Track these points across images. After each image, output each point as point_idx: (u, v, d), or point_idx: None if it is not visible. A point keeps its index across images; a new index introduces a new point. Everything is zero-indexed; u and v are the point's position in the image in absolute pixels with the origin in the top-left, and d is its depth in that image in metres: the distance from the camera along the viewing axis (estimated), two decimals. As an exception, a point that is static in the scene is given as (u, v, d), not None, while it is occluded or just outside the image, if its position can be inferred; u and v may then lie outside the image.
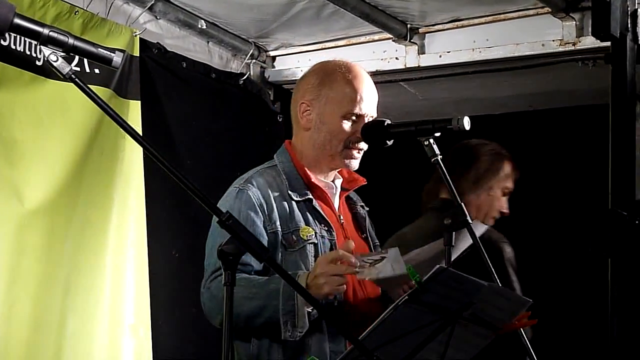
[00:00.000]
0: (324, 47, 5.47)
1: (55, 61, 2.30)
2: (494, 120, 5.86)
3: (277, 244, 3.25)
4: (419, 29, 5.28)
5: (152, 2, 4.80)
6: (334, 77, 3.41)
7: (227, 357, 2.40)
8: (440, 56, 5.26)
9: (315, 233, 3.30)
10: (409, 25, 5.22)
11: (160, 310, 4.72)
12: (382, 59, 5.39)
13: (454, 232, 3.14)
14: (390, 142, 3.31)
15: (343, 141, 3.36)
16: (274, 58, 5.68)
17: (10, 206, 4.05)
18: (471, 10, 5.07)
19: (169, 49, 4.99)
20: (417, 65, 5.32)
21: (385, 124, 3.31)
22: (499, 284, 3.85)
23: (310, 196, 3.36)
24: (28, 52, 4.15)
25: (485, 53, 5.13)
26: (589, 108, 5.64)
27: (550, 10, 4.87)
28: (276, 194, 3.33)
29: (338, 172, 3.48)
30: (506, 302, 2.90)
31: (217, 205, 2.49)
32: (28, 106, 4.17)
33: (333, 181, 3.46)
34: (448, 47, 5.24)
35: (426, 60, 5.30)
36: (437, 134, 3.20)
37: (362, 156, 3.42)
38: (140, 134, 4.40)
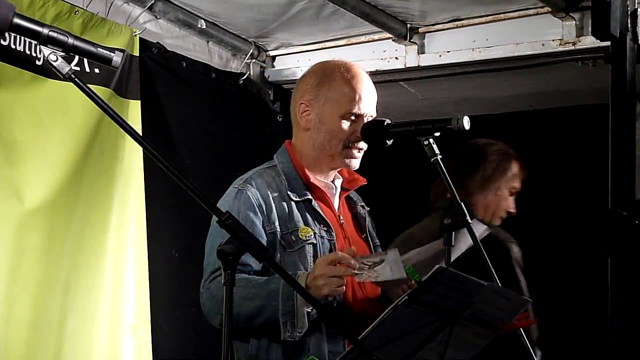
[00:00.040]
0: (323, 46, 5.47)
1: (55, 61, 2.30)
2: (494, 120, 5.85)
3: (275, 245, 3.25)
4: (419, 29, 5.27)
5: (152, 1, 4.80)
6: (332, 77, 3.41)
7: (226, 357, 2.40)
8: (440, 56, 5.25)
9: (314, 233, 3.31)
10: (408, 25, 5.22)
11: (160, 310, 4.72)
12: (382, 59, 5.38)
13: (453, 232, 3.14)
14: (390, 142, 3.31)
15: (342, 141, 3.36)
16: (273, 58, 5.68)
17: (10, 206, 4.05)
18: (471, 10, 5.06)
19: (168, 49, 4.99)
20: (417, 65, 5.32)
21: (385, 123, 3.31)
22: (506, 284, 3.87)
23: (310, 196, 3.36)
24: (28, 52, 4.15)
25: (485, 53, 5.12)
26: (589, 108, 5.64)
27: (550, 10, 4.86)
28: (275, 194, 3.33)
29: (338, 172, 3.48)
30: (506, 302, 2.90)
31: (217, 206, 2.49)
32: (28, 106, 4.17)
33: (333, 181, 3.46)
34: (448, 46, 5.23)
35: (426, 60, 5.30)
36: (437, 134, 3.20)
37: (363, 156, 3.42)
38: (140, 133, 4.40)
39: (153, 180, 4.63)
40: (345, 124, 3.36)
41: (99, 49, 2.39)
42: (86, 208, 4.38)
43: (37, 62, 4.16)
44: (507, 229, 4.28)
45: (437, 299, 2.65)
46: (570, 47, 4.93)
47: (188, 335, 4.90)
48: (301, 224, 3.31)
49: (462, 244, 3.21)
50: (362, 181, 3.51)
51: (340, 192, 3.48)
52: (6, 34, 3.79)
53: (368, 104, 3.40)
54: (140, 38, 4.72)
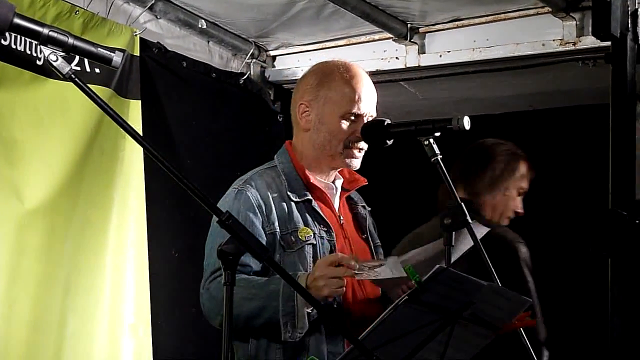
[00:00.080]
0: (324, 46, 5.47)
1: (55, 61, 2.30)
2: (494, 120, 5.85)
3: (275, 245, 3.25)
4: (419, 29, 5.27)
5: (153, 1, 4.80)
6: (332, 77, 3.40)
7: (226, 358, 2.40)
8: (440, 56, 5.26)
9: (314, 234, 3.30)
10: (409, 25, 5.22)
11: (160, 310, 4.72)
12: (382, 59, 5.38)
13: (454, 232, 3.14)
14: (390, 142, 3.30)
15: (343, 141, 3.36)
16: (274, 58, 5.68)
17: (11, 206, 4.05)
18: (471, 10, 5.06)
19: (169, 49, 4.99)
20: (417, 65, 5.32)
21: (385, 123, 3.31)
22: (514, 284, 3.87)
23: (310, 197, 3.36)
24: (28, 52, 4.15)
25: (485, 53, 5.12)
26: (589, 108, 5.64)
27: (550, 10, 4.87)
28: (275, 194, 3.33)
29: (339, 172, 3.47)
30: (506, 302, 2.90)
31: (217, 206, 2.49)
32: (28, 106, 4.17)
33: (333, 182, 3.46)
34: (448, 46, 5.23)
35: (426, 60, 5.30)
36: (437, 134, 3.19)
37: (363, 156, 3.42)
38: (141, 133, 4.40)
39: (153, 180, 4.63)
40: (345, 124, 3.36)
41: (99, 49, 2.39)
42: (86, 208, 4.38)
43: (38, 62, 4.16)
44: (509, 228, 4.28)
45: (437, 299, 2.65)
46: (571, 47, 4.93)
47: (188, 335, 4.90)
48: (301, 225, 3.31)
49: (462, 244, 3.21)
50: (363, 181, 3.51)
51: (340, 193, 3.48)
52: (6, 34, 3.79)
53: (368, 104, 3.39)
54: (140, 38, 4.72)
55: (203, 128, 5.20)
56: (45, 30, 2.31)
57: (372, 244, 3.51)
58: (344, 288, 3.11)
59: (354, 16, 5.00)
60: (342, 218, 3.43)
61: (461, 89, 5.67)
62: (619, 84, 4.48)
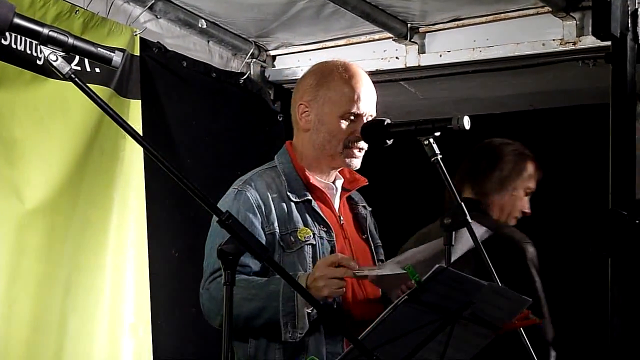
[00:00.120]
0: (324, 46, 5.47)
1: (55, 61, 2.30)
2: (495, 120, 5.85)
3: (274, 245, 3.25)
4: (419, 29, 5.27)
5: (153, 1, 4.80)
6: (331, 77, 3.40)
7: (226, 358, 2.40)
8: (440, 55, 5.26)
9: (314, 234, 3.30)
10: (409, 25, 5.22)
11: (160, 310, 4.72)
12: (382, 59, 5.38)
13: (454, 232, 3.13)
14: (390, 142, 3.30)
15: (342, 141, 3.36)
16: (274, 57, 5.68)
17: (11, 205, 4.05)
18: (471, 10, 5.06)
19: (169, 48, 4.99)
20: (417, 64, 5.32)
21: (385, 123, 3.30)
22: (522, 284, 3.87)
23: (310, 197, 3.36)
24: (28, 52, 4.15)
25: (485, 52, 5.12)
26: (589, 107, 5.64)
27: (550, 9, 4.86)
28: (275, 195, 3.33)
29: (339, 172, 3.47)
30: (506, 302, 2.90)
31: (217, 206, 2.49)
32: (28, 105, 4.17)
33: (334, 182, 3.46)
34: (448, 46, 5.23)
35: (426, 60, 5.30)
36: (437, 134, 3.19)
37: (364, 156, 3.42)
38: (141, 133, 4.40)
39: (153, 180, 4.63)
40: (345, 124, 3.36)
41: (99, 48, 2.39)
42: (86, 208, 4.38)
43: (38, 62, 4.16)
44: (516, 228, 4.28)
45: (437, 298, 2.65)
46: (571, 47, 4.93)
47: (188, 335, 4.90)
48: (300, 225, 3.30)
49: (462, 244, 3.21)
50: (364, 181, 3.51)
51: (341, 193, 3.48)
52: (6, 34, 3.79)
53: (367, 104, 3.39)
54: (140, 38, 4.72)
55: (203, 128, 5.20)
56: (45, 30, 2.31)
57: (372, 244, 3.51)
58: (344, 289, 3.12)
59: (354, 16, 5.00)
60: (342, 218, 3.43)
61: (461, 89, 5.67)
62: (619, 84, 4.48)
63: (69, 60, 2.33)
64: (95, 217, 4.42)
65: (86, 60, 4.33)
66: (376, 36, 5.37)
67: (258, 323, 3.18)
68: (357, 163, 3.40)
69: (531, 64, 5.15)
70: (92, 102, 2.33)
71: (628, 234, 4.25)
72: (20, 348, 4.06)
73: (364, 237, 3.49)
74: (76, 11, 4.37)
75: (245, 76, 5.48)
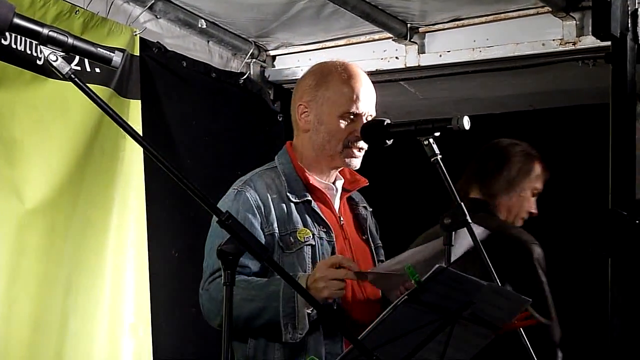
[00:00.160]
0: (324, 46, 5.47)
1: (54, 61, 2.30)
2: (494, 120, 5.85)
3: (274, 246, 3.25)
4: (419, 29, 5.27)
5: (152, 1, 4.80)
6: (330, 78, 3.40)
7: (226, 358, 2.40)
8: (440, 55, 5.26)
9: (313, 235, 3.30)
10: (409, 25, 5.22)
11: (160, 310, 4.72)
12: (382, 59, 5.38)
13: (453, 232, 3.13)
14: (390, 142, 3.30)
15: (342, 141, 3.35)
16: (274, 57, 5.68)
17: (11, 205, 4.05)
18: (471, 10, 5.06)
19: (169, 48, 4.99)
20: (417, 64, 5.32)
21: (385, 123, 3.30)
22: (528, 284, 3.88)
23: (309, 198, 3.35)
24: (28, 52, 4.15)
25: (485, 52, 5.12)
26: (589, 107, 5.64)
27: (550, 9, 4.86)
28: (275, 195, 3.32)
29: (340, 173, 3.47)
30: (506, 302, 2.90)
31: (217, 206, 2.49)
32: (28, 105, 4.17)
33: (334, 182, 3.45)
34: (448, 46, 5.23)
35: (426, 60, 5.30)
36: (437, 134, 3.19)
37: (364, 157, 3.41)
38: (140, 133, 4.40)
39: (153, 180, 4.63)
40: (344, 124, 3.36)
41: (98, 48, 2.39)
42: (87, 208, 4.38)
43: (38, 62, 4.16)
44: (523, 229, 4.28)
45: (437, 298, 2.65)
46: (571, 47, 4.93)
47: (188, 335, 4.90)
48: (300, 226, 3.30)
49: (460, 248, 3.20)
50: (364, 182, 3.50)
51: (341, 193, 3.47)
52: (6, 34, 3.79)
53: (366, 103, 3.39)
54: (140, 38, 4.72)
55: (203, 128, 5.20)
56: (45, 30, 2.31)
57: (372, 245, 3.50)
58: (344, 290, 3.12)
59: (353, 16, 5.00)
60: (342, 219, 3.42)
61: (461, 89, 5.67)
62: (619, 84, 4.49)
63: (69, 60, 2.33)
64: (96, 217, 4.42)
65: (86, 61, 4.33)
66: (376, 36, 5.37)
67: (258, 324, 3.18)
68: (356, 163, 3.39)
69: (531, 64, 5.15)
70: (92, 102, 2.33)
71: (628, 234, 4.25)
72: (21, 348, 4.06)
73: (364, 237, 3.49)
74: (76, 11, 4.37)
75: (245, 76, 5.49)
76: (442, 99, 5.85)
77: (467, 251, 3.17)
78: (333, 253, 3.31)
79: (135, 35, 4.68)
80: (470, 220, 3.10)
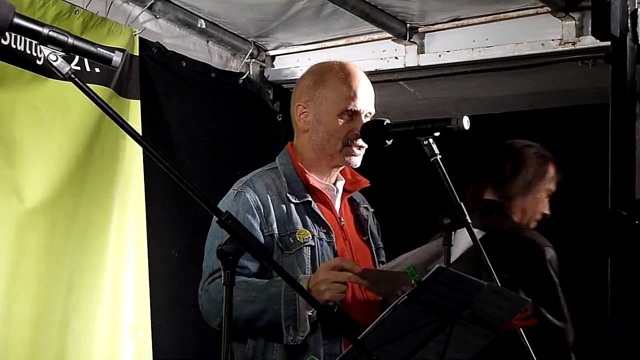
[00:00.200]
0: (323, 46, 5.47)
1: (54, 61, 2.30)
2: (494, 120, 5.85)
3: (273, 247, 3.25)
4: (419, 29, 5.27)
5: (152, 1, 4.79)
6: (327, 77, 3.40)
7: (226, 358, 2.39)
8: (439, 55, 5.25)
9: (313, 236, 3.30)
10: (408, 25, 5.22)
11: (160, 310, 4.72)
12: (381, 59, 5.38)
13: (452, 232, 3.13)
14: (389, 142, 3.30)
15: (341, 139, 3.35)
16: (273, 57, 5.68)
17: (11, 205, 4.05)
18: (471, 10, 5.06)
19: (168, 48, 4.99)
20: (416, 64, 5.32)
21: (385, 123, 3.29)
22: (541, 285, 3.88)
23: (309, 199, 3.35)
24: (28, 52, 4.15)
25: (485, 52, 5.12)
26: (588, 107, 5.63)
27: (549, 9, 4.86)
28: (274, 196, 3.32)
29: (341, 173, 3.47)
30: (506, 302, 2.90)
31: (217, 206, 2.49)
32: (28, 105, 4.17)
33: (335, 183, 3.45)
34: (448, 46, 5.23)
35: (426, 60, 5.30)
36: (437, 134, 3.18)
37: (365, 157, 3.41)
38: (140, 133, 4.40)
39: (153, 180, 4.63)
40: (343, 122, 3.35)
41: (98, 48, 2.39)
42: (87, 208, 4.38)
43: (38, 62, 4.16)
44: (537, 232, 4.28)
45: (437, 298, 2.65)
46: (570, 47, 4.93)
47: (188, 335, 4.89)
48: (299, 226, 3.30)
49: (460, 246, 3.20)
50: (365, 183, 3.50)
51: (342, 194, 3.47)
52: (6, 34, 3.79)
53: (365, 101, 3.39)
54: (140, 38, 4.72)
55: (202, 128, 5.20)
56: (45, 30, 2.31)
57: (373, 246, 3.50)
58: (345, 293, 3.12)
59: (353, 16, 5.00)
60: (342, 220, 3.42)
61: (460, 89, 5.66)
62: (619, 84, 4.49)
63: (69, 60, 2.33)
64: (96, 217, 4.42)
65: (86, 60, 4.33)
66: (375, 36, 5.37)
67: (258, 325, 3.18)
68: (357, 161, 3.39)
69: (531, 64, 5.15)
70: (92, 102, 2.33)
71: (628, 234, 4.25)
72: (22, 348, 4.06)
73: (364, 238, 3.48)
74: (76, 11, 4.37)
75: (244, 76, 5.48)
76: (441, 99, 5.84)
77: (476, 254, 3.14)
78: (333, 254, 3.31)
79: (135, 35, 4.68)
80: (469, 221, 3.09)
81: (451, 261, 3.07)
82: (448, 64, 5.26)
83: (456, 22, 5.18)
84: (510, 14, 5.03)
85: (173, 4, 4.91)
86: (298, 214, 3.32)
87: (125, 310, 4.51)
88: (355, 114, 3.36)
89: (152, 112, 4.82)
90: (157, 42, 4.92)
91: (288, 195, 3.34)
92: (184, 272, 4.77)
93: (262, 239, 3.23)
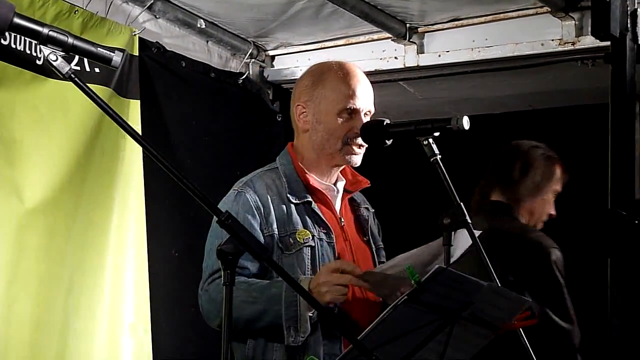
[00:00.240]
0: (323, 46, 5.47)
1: (54, 60, 2.30)
2: (494, 120, 5.85)
3: (273, 247, 3.25)
4: (418, 29, 5.27)
5: (152, 1, 4.79)
6: (326, 76, 3.40)
7: (226, 358, 2.39)
8: (439, 56, 5.25)
9: (313, 236, 3.29)
10: (408, 25, 5.22)
11: (160, 310, 4.72)
12: (381, 59, 5.38)
13: (452, 232, 3.12)
14: (389, 142, 3.29)
15: (341, 138, 3.35)
16: (273, 57, 5.68)
17: (11, 205, 4.05)
18: (470, 10, 5.06)
19: (168, 48, 4.99)
20: (416, 64, 5.32)
21: (385, 123, 3.29)
22: (548, 286, 3.88)
23: (310, 199, 3.35)
24: (28, 51, 4.15)
25: (484, 52, 5.12)
26: (588, 107, 5.63)
27: (549, 9, 4.86)
28: (275, 196, 3.32)
29: (341, 173, 3.46)
30: (506, 302, 2.90)
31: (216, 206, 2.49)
32: (28, 105, 4.17)
33: (335, 183, 3.45)
34: (447, 46, 5.23)
35: (425, 60, 5.30)
36: (436, 134, 3.18)
37: (366, 158, 3.41)
38: (140, 133, 4.40)
39: (153, 180, 4.63)
40: (342, 121, 3.35)
41: (98, 48, 2.39)
42: (87, 208, 4.38)
43: (38, 62, 4.16)
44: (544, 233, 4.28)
45: (436, 298, 2.65)
46: (570, 47, 4.93)
47: (188, 335, 4.89)
48: (299, 227, 3.30)
49: (460, 247, 3.20)
50: (366, 183, 3.50)
51: (343, 194, 3.47)
52: (6, 34, 3.79)
53: (364, 100, 3.38)
54: (139, 37, 4.72)
55: (202, 128, 5.20)
56: (45, 30, 2.31)
57: (373, 246, 3.49)
58: (346, 295, 3.12)
59: (353, 16, 5.00)
60: (343, 220, 3.42)
61: (460, 89, 5.66)
62: (619, 84, 4.49)
63: (69, 60, 2.33)
64: (96, 217, 4.42)
65: (86, 60, 4.33)
66: (375, 36, 5.37)
67: (259, 326, 3.18)
68: (357, 160, 3.39)
69: (530, 64, 5.15)
70: (92, 102, 2.33)
71: (627, 234, 4.25)
72: (22, 348, 4.06)
73: (365, 239, 3.48)
74: (75, 11, 4.37)
75: (244, 76, 5.48)
76: (441, 99, 5.84)
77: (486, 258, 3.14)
78: (333, 254, 3.31)
79: (135, 35, 4.68)
80: (469, 221, 3.09)
81: (451, 261, 3.07)
82: (448, 64, 5.26)
83: (456, 22, 5.18)
84: (510, 14, 5.03)
85: (173, 4, 4.91)
86: (298, 214, 3.32)
87: (125, 310, 4.51)
88: (355, 112, 3.36)
89: (152, 112, 4.82)
90: (156, 42, 4.92)
91: (288, 195, 3.34)
92: (184, 272, 4.77)
93: (262, 239, 3.23)
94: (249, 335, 3.25)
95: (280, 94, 5.68)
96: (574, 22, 4.89)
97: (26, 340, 4.08)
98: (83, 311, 4.31)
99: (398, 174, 6.13)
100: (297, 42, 5.51)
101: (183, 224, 4.89)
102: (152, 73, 4.87)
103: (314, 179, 3.37)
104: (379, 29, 5.22)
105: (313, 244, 3.29)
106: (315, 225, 3.32)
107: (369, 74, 3.53)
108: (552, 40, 4.96)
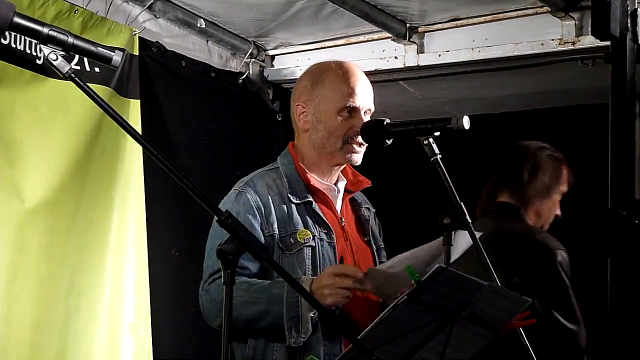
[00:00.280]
0: (323, 46, 5.47)
1: (54, 60, 2.30)
2: (494, 120, 5.85)
3: (274, 247, 3.25)
4: (418, 28, 5.27)
5: (152, 1, 4.80)
6: (325, 76, 3.40)
7: (226, 358, 2.39)
8: (439, 55, 5.25)
9: (314, 236, 3.29)
10: (408, 25, 5.22)
11: (160, 310, 4.72)
12: (381, 58, 5.38)
13: (453, 232, 3.12)
14: (389, 142, 3.29)
15: (341, 137, 3.35)
16: (273, 57, 5.68)
17: (11, 205, 4.05)
18: (470, 10, 5.06)
19: (168, 48, 4.99)
20: (416, 64, 5.32)
21: (385, 123, 3.29)
22: (553, 287, 3.88)
23: (310, 199, 3.35)
24: (28, 51, 4.15)
25: (484, 52, 5.12)
26: (588, 107, 5.63)
27: (549, 9, 4.86)
28: (275, 196, 3.32)
29: (342, 173, 3.46)
30: (506, 302, 2.90)
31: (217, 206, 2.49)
32: (28, 105, 4.17)
33: (336, 183, 3.45)
34: (447, 46, 5.23)
35: (425, 60, 5.30)
36: (437, 133, 3.18)
37: (366, 158, 3.41)
38: (140, 133, 4.40)
39: (153, 180, 4.63)
40: (342, 120, 3.35)
41: (99, 48, 2.39)
42: (87, 208, 4.38)
43: (38, 61, 4.16)
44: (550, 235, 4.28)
45: (436, 298, 2.65)
46: (570, 47, 4.93)
47: (188, 335, 4.89)
48: (300, 227, 3.30)
49: (460, 247, 3.19)
50: (367, 183, 3.50)
51: (344, 194, 3.47)
52: (6, 33, 3.78)
53: (363, 98, 3.38)
54: (139, 37, 4.72)
55: (202, 127, 5.20)
56: (45, 30, 2.30)
57: (374, 246, 3.49)
58: (348, 298, 3.12)
59: (352, 16, 5.00)
60: (343, 220, 3.41)
61: (460, 89, 5.66)
62: (619, 84, 4.49)
63: (69, 60, 2.33)
64: (96, 217, 4.42)
65: (86, 60, 4.33)
66: (375, 36, 5.37)
67: (259, 326, 3.18)
68: (357, 158, 3.38)
69: (530, 64, 5.15)
70: (92, 101, 2.33)
71: (627, 234, 4.25)
72: (22, 348, 4.06)
73: (365, 239, 3.48)
74: (75, 10, 4.37)
75: (244, 76, 5.48)
76: (441, 99, 5.85)
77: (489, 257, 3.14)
78: (334, 254, 3.30)
79: (135, 34, 4.68)
80: (469, 220, 3.09)
81: (451, 261, 3.07)
82: (447, 63, 5.26)
83: (456, 22, 5.18)
84: (509, 14, 5.03)
85: (173, 3, 4.91)
86: (299, 214, 3.32)
87: (125, 310, 4.51)
88: (354, 110, 3.36)
89: (152, 112, 4.82)
90: (156, 41, 4.92)
91: (289, 195, 3.33)
92: (184, 272, 4.77)
93: (262, 239, 3.22)
94: (249, 335, 3.25)
95: (280, 93, 5.68)
96: (574, 22, 4.88)
97: (26, 340, 4.08)
98: (83, 311, 4.31)
99: (398, 174, 6.13)
100: (297, 41, 5.51)
101: (183, 224, 4.89)
102: (152, 73, 4.88)
103: (314, 179, 3.37)
104: (379, 29, 5.22)
105: (314, 244, 3.29)
106: (316, 225, 3.32)
107: (369, 73, 3.53)
108: (552, 40, 4.96)
